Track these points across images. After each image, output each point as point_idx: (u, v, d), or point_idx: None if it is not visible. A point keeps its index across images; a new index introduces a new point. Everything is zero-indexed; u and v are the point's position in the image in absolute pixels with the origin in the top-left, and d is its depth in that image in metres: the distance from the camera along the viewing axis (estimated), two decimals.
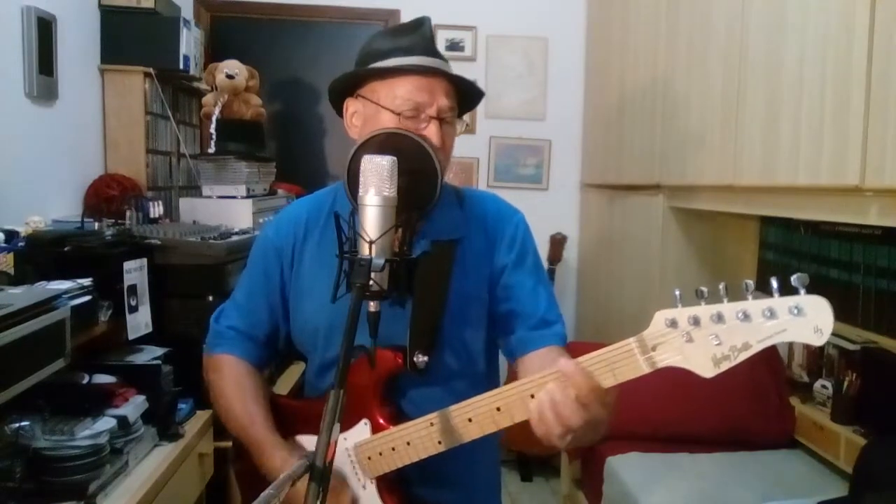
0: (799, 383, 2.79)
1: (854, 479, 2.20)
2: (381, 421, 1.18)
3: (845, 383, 2.44)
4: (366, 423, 1.18)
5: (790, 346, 2.88)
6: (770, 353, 2.86)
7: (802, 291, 0.84)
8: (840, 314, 2.56)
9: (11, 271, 1.77)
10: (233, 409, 1.29)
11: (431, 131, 1.18)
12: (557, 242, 3.86)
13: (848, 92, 1.72)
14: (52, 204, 2.47)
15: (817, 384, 2.61)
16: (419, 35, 1.22)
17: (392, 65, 1.19)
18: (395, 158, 1.05)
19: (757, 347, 0.87)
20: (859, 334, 2.48)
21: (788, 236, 2.90)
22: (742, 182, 2.26)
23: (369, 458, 1.17)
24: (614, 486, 2.58)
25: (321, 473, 0.88)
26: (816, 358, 2.71)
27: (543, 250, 3.63)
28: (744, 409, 2.72)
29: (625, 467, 2.60)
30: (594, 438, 1.01)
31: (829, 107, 1.80)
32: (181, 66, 2.99)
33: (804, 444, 2.66)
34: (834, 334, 2.57)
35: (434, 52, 1.21)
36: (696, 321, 0.89)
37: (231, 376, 1.32)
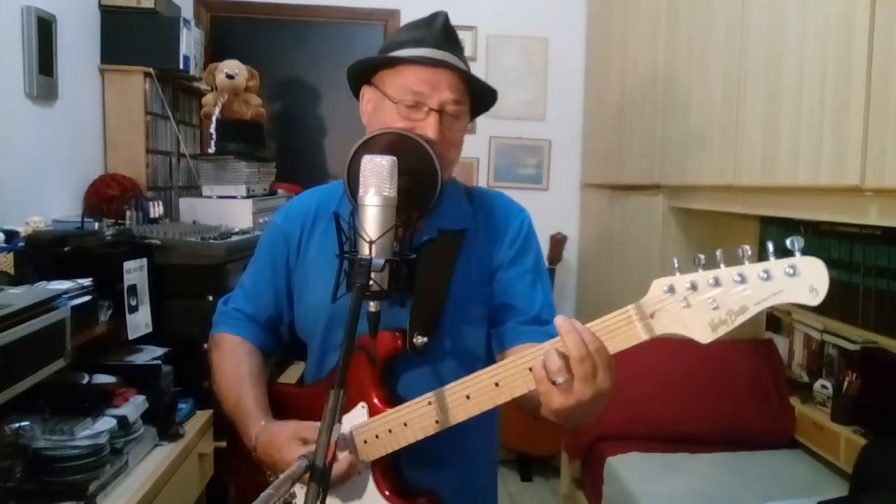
0: (799, 383, 2.79)
1: (854, 479, 2.20)
2: (378, 404, 1.17)
3: (845, 383, 2.44)
4: (363, 407, 1.17)
5: (790, 346, 2.88)
6: (770, 353, 2.86)
7: (798, 253, 0.85)
8: (840, 314, 2.56)
9: (11, 271, 1.76)
10: (224, 385, 1.29)
11: (430, 123, 1.18)
12: (557, 242, 3.85)
13: (848, 92, 1.72)
14: (52, 204, 2.47)
15: (817, 384, 2.61)
16: (432, 28, 1.23)
17: (399, 55, 1.20)
18: (395, 158, 1.06)
19: (754, 310, 0.87)
20: (859, 334, 2.48)
21: (788, 236, 2.89)
22: (742, 182, 2.25)
23: (365, 442, 1.16)
24: (614, 486, 2.58)
25: (321, 473, 0.88)
26: (816, 358, 2.72)
27: (543, 250, 3.62)
28: (744, 409, 2.72)
29: (625, 467, 2.60)
30: (595, 410, 0.97)
31: (829, 107, 1.80)
32: (181, 66, 2.99)
33: (804, 444, 2.66)
34: (834, 334, 2.59)
35: (444, 46, 1.21)
36: (693, 286, 0.90)
37: (229, 353, 1.32)
